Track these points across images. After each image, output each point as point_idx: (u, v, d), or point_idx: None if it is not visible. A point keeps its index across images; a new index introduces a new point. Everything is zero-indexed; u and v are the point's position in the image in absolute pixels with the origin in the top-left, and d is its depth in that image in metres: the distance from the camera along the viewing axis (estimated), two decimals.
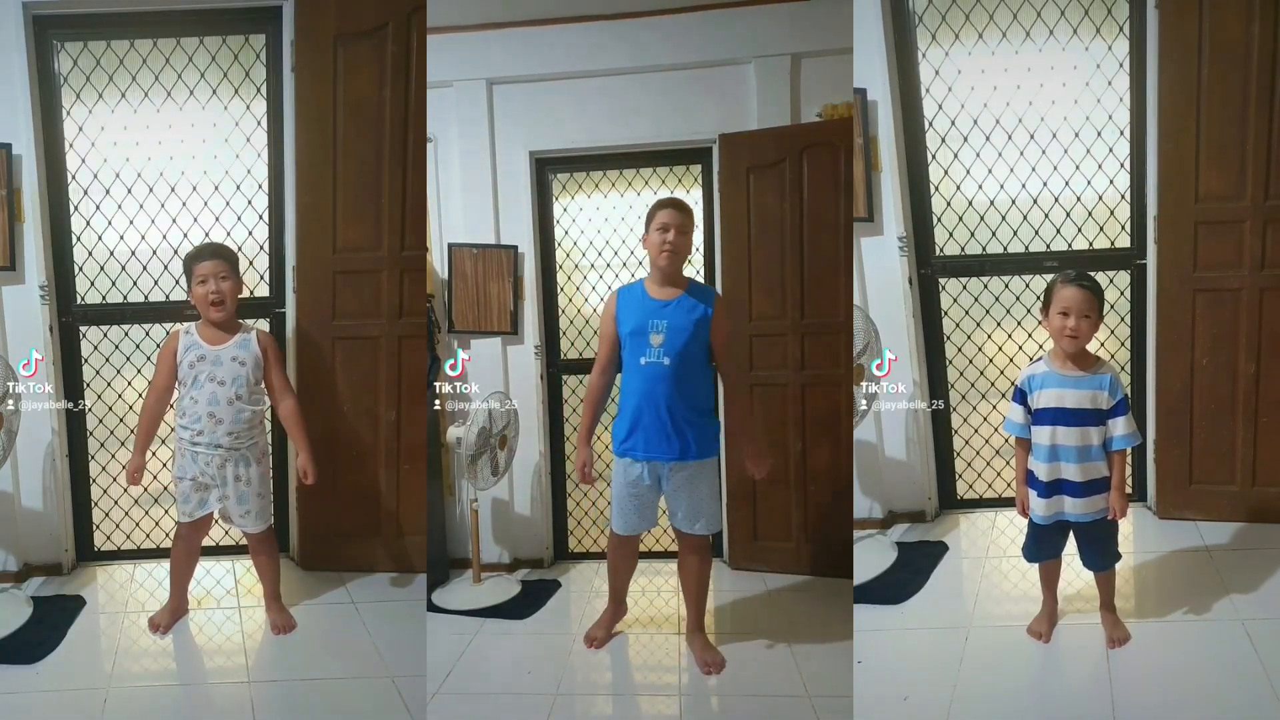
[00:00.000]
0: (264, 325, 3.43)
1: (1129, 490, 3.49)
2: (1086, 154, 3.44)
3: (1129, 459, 2.57)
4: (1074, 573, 2.74)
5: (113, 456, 3.55)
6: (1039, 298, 3.52)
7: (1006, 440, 3.64)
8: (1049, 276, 3.47)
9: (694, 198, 3.70)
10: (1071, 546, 2.63)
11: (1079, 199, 3.49)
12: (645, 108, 3.54)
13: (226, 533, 3.53)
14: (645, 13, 3.47)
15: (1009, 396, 3.60)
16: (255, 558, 3.02)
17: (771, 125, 3.45)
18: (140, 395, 3.53)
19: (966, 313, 3.61)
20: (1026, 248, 3.54)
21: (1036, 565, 2.67)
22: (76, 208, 3.42)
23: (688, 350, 2.67)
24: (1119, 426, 2.46)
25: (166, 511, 3.53)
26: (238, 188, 3.47)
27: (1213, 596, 2.76)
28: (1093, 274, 3.42)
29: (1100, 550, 2.58)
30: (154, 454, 3.55)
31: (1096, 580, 2.64)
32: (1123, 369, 3.52)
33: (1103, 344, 3.52)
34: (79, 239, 3.43)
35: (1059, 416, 2.48)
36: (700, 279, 3.68)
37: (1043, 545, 2.62)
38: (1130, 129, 3.38)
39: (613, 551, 2.97)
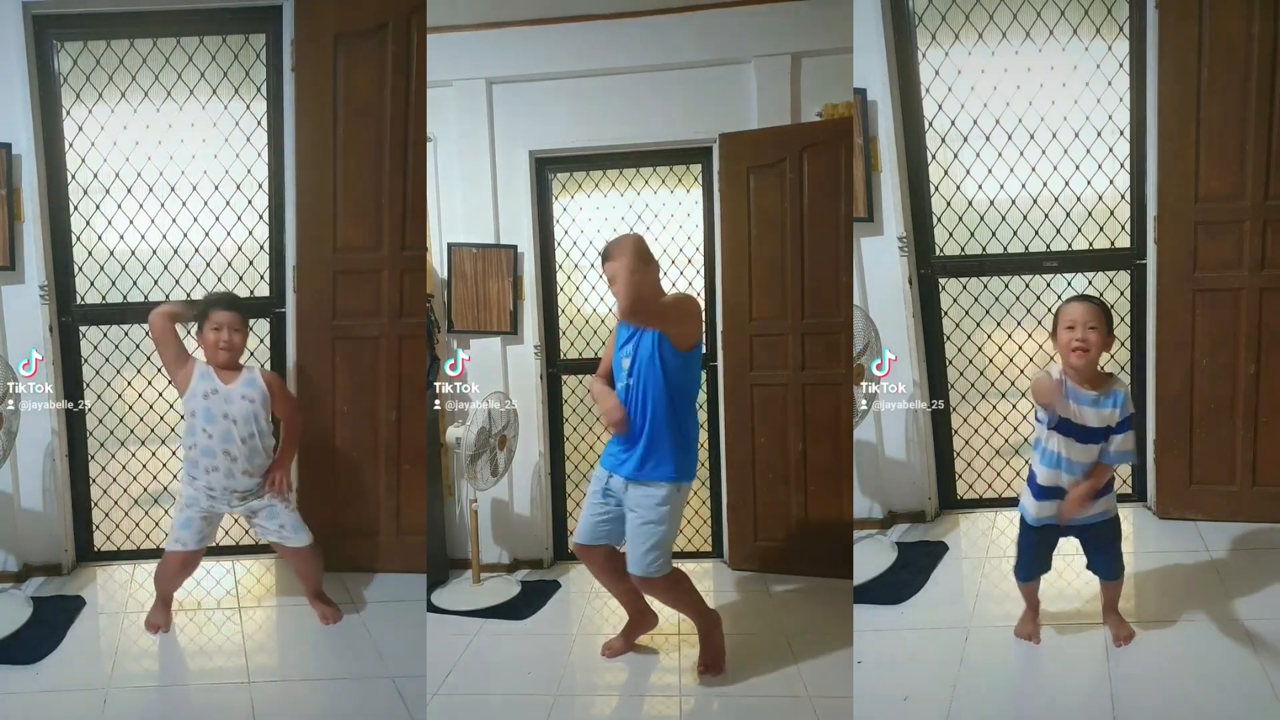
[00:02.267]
0: (264, 323, 3.45)
1: (1128, 490, 3.52)
2: (1086, 154, 3.44)
3: (1115, 470, 2.52)
4: (1074, 573, 2.75)
5: (113, 456, 3.55)
6: (1039, 298, 3.55)
7: (1006, 440, 3.65)
8: (1049, 276, 3.50)
9: (694, 197, 3.71)
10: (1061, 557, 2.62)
11: (1079, 199, 3.48)
12: (645, 108, 3.54)
13: (226, 532, 3.54)
14: (645, 12, 3.47)
15: (1009, 396, 3.62)
16: (301, 570, 3.02)
17: (772, 125, 3.45)
18: (140, 395, 3.53)
19: (966, 313, 3.61)
20: (1026, 248, 3.53)
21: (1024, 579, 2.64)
22: (76, 208, 3.42)
23: (657, 374, 2.59)
24: (1117, 443, 2.42)
25: (166, 511, 3.53)
26: (238, 187, 3.47)
27: (1213, 597, 2.76)
28: (1086, 276, 3.48)
29: (1104, 555, 2.55)
30: (154, 454, 3.57)
31: (1101, 585, 2.62)
32: (1123, 369, 3.52)
33: None
34: (79, 239, 3.43)
35: (1077, 432, 2.42)
36: (701, 279, 3.70)
37: (1035, 559, 2.58)
38: (1130, 129, 3.38)
39: (585, 566, 2.87)
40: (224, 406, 2.81)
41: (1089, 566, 2.60)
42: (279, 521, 2.91)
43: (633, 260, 2.51)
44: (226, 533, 3.53)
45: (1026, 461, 2.61)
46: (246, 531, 3.56)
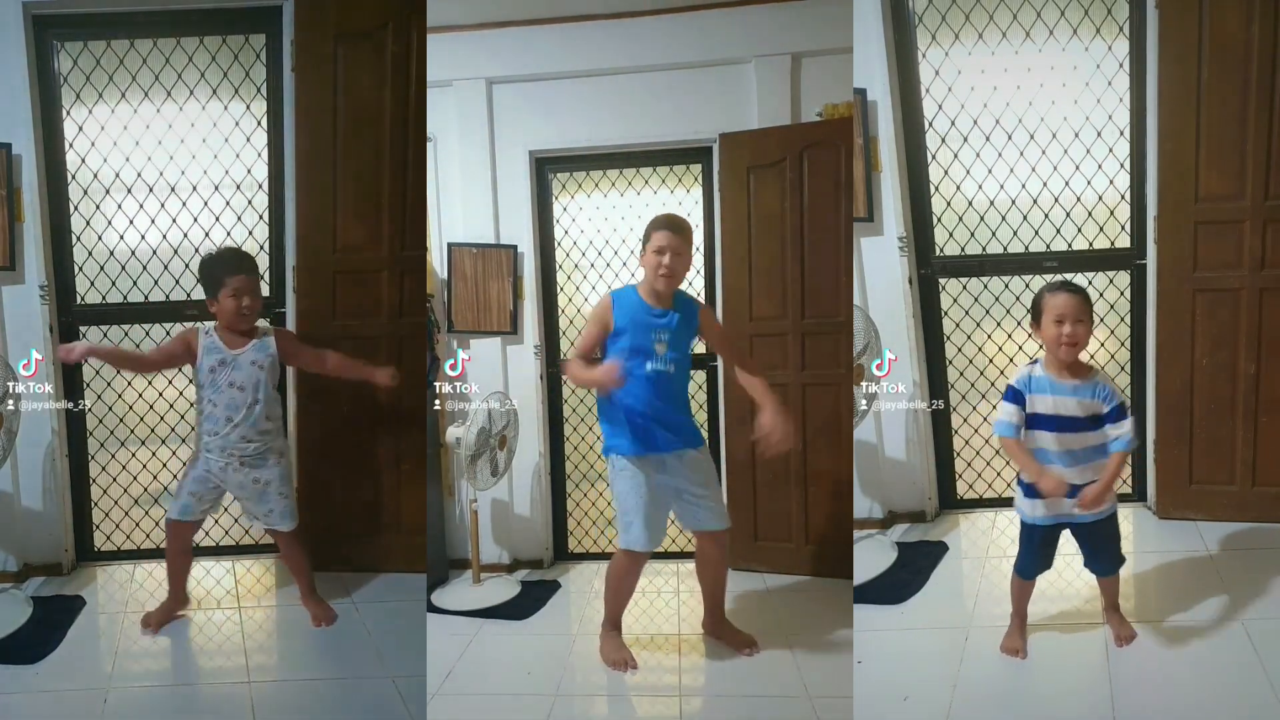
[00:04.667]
0: (264, 323, 3.43)
1: (1128, 490, 3.52)
2: (1086, 154, 3.44)
3: (1127, 460, 2.54)
4: (1074, 573, 2.74)
5: (112, 456, 3.55)
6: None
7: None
8: (1049, 277, 3.49)
9: (694, 197, 3.71)
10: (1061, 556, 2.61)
11: (1079, 199, 3.48)
12: (645, 107, 3.54)
13: (226, 532, 3.54)
14: (645, 12, 3.47)
15: None
16: (286, 557, 3.02)
17: (772, 124, 3.45)
18: (140, 395, 3.53)
19: (966, 313, 3.61)
20: (1026, 248, 3.53)
21: (1011, 580, 2.62)
22: (76, 208, 3.42)
23: (684, 356, 2.75)
24: (1119, 429, 2.43)
25: (166, 512, 3.52)
26: (238, 188, 3.47)
27: (1213, 597, 2.75)
28: (1086, 276, 3.47)
29: (1104, 552, 2.55)
30: (154, 454, 3.57)
31: (1100, 583, 2.62)
32: (1123, 369, 3.52)
33: (1103, 344, 3.52)
34: (79, 239, 3.44)
35: (1061, 424, 2.43)
36: (701, 279, 3.70)
37: (1039, 556, 2.56)
38: (1130, 129, 3.38)
39: (627, 574, 2.78)
40: (230, 375, 2.80)
41: (1087, 565, 2.59)
42: (268, 506, 2.89)
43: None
44: (226, 532, 3.53)
45: None
46: (247, 531, 3.56)
